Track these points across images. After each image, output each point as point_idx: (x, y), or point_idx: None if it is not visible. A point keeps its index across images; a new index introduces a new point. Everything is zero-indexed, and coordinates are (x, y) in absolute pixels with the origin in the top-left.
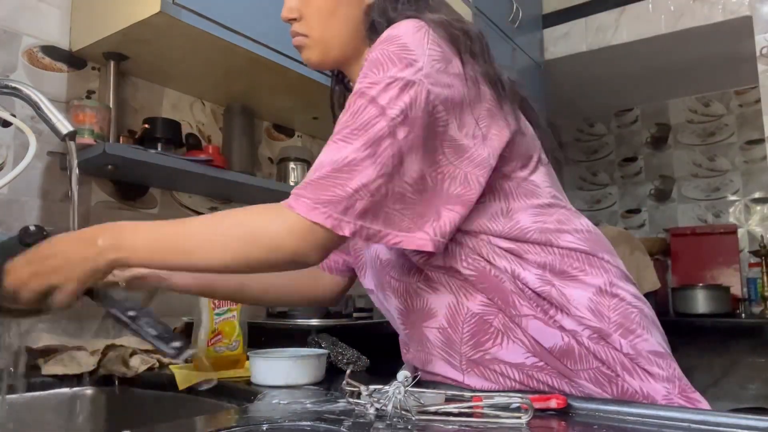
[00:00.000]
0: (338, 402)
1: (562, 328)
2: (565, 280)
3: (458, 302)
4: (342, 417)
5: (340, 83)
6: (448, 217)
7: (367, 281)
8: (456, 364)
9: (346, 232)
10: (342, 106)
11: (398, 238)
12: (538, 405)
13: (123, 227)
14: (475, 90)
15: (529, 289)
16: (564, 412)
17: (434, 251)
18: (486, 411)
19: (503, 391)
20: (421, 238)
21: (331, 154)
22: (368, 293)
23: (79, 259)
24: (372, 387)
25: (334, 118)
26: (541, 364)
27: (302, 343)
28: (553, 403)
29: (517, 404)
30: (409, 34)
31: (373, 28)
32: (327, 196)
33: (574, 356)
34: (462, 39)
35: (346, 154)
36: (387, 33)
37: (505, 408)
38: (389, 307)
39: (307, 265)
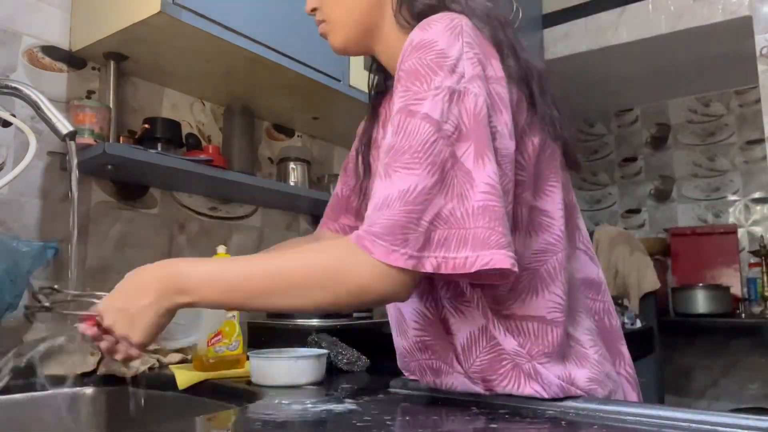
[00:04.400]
0: (338, 402)
1: None
2: None
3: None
4: (342, 417)
5: (379, 72)
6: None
7: None
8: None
9: (428, 269)
10: (379, 92)
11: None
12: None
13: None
14: (517, 94)
15: None
16: (564, 412)
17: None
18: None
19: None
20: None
21: (397, 184)
22: None
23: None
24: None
25: (372, 107)
26: None
27: (302, 343)
28: None
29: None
30: (444, 38)
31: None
32: (402, 236)
33: None
34: (501, 34)
35: (413, 184)
36: (420, 38)
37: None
38: None
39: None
